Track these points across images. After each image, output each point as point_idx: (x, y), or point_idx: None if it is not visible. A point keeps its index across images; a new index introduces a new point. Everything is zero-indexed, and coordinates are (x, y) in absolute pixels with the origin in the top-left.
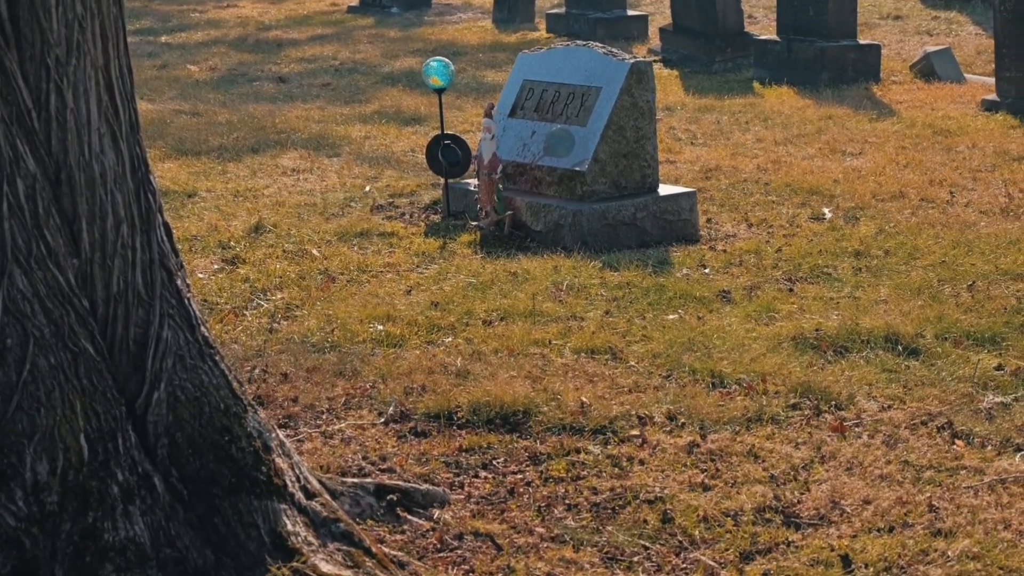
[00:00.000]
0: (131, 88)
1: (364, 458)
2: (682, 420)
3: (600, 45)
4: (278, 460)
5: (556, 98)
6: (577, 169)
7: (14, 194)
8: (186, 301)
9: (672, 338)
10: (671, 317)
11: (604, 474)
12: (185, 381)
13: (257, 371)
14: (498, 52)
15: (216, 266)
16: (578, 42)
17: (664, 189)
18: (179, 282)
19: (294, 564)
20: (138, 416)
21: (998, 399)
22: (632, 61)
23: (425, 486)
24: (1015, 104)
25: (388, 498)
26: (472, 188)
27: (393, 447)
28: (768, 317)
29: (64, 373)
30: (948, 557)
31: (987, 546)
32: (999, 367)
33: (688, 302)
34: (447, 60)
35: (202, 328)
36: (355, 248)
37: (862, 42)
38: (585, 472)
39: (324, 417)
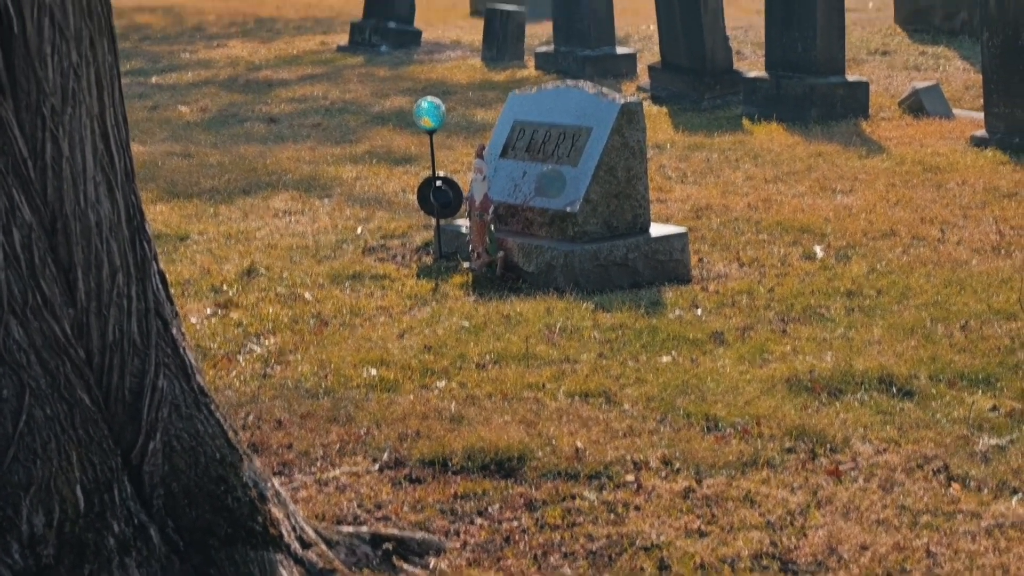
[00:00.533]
0: (126, 136)
1: (359, 506)
2: (677, 465)
3: (591, 85)
4: (274, 509)
5: (547, 138)
6: (568, 210)
7: (10, 244)
8: (181, 350)
9: (666, 381)
10: (664, 359)
11: (600, 521)
12: (181, 431)
13: (251, 417)
14: (488, 90)
15: (209, 310)
16: (568, 82)
17: (655, 229)
18: (174, 331)
19: None
20: (134, 466)
21: (993, 441)
22: (623, 101)
23: (420, 534)
24: (1004, 140)
25: (384, 547)
26: (464, 229)
27: (388, 494)
28: (762, 359)
29: (60, 424)
30: None
31: None
32: (994, 408)
33: (681, 344)
34: (438, 101)
35: (197, 377)
36: (348, 291)
37: (850, 78)
38: (581, 519)
39: (319, 464)
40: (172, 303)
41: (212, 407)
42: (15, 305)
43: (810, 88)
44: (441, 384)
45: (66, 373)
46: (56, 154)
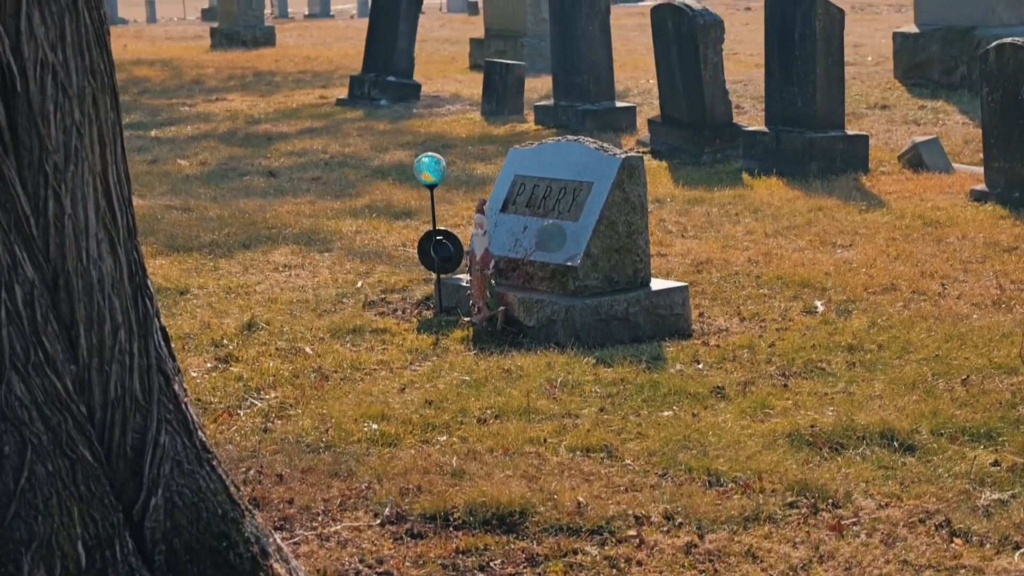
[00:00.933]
0: (128, 193)
1: (361, 560)
2: (679, 520)
3: (591, 140)
4: (276, 565)
5: (548, 193)
6: (569, 264)
7: (12, 301)
8: (183, 406)
9: (667, 435)
10: (666, 414)
11: None
12: (183, 487)
13: (252, 472)
14: (487, 144)
15: (209, 364)
16: (569, 137)
17: (656, 284)
18: (176, 387)
19: None
20: (136, 522)
21: (995, 496)
22: (623, 156)
23: None
24: (1004, 194)
25: None
26: (464, 283)
27: (390, 549)
28: (763, 413)
29: (62, 480)
30: None
31: None
32: (995, 463)
33: (683, 398)
34: (439, 156)
35: (199, 433)
36: (348, 345)
37: (850, 133)
38: (583, 574)
39: (320, 519)
40: (174, 359)
41: (214, 463)
42: (17, 362)
43: (810, 142)
44: (442, 439)
45: (68, 429)
46: (58, 211)
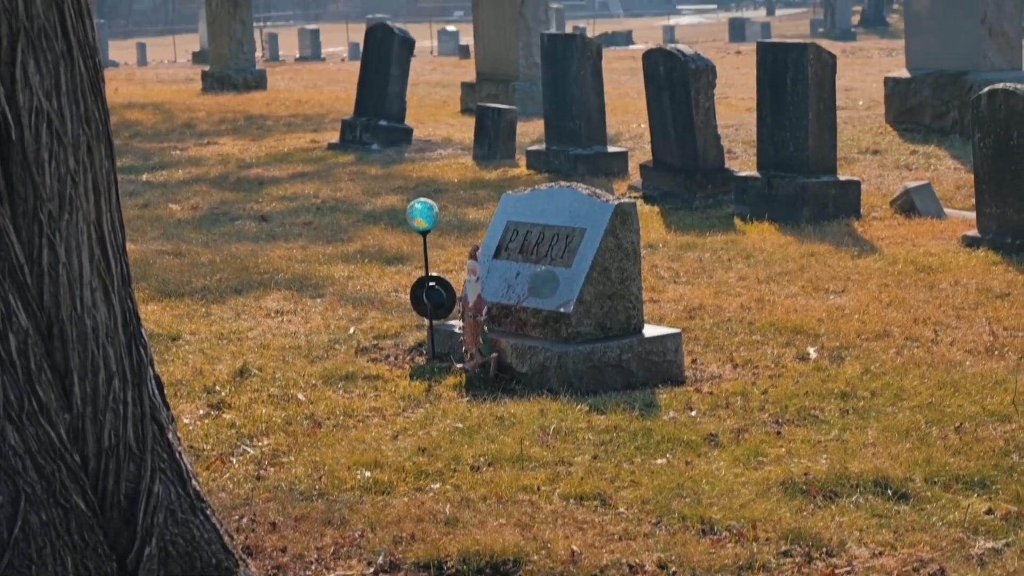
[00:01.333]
0: (123, 241)
1: None
2: (673, 569)
3: (584, 186)
4: None
5: (540, 239)
6: (562, 311)
7: (6, 349)
8: (177, 455)
9: (661, 483)
10: (659, 462)
11: None
12: (176, 536)
13: (245, 520)
14: (479, 189)
15: (201, 411)
16: (562, 183)
17: (649, 330)
18: (170, 436)
19: None
20: (129, 572)
21: (989, 544)
22: (616, 203)
23: None
24: (996, 240)
25: None
26: (457, 330)
27: None
28: (756, 461)
29: (55, 529)
30: None
31: None
32: (989, 511)
33: (676, 446)
34: (431, 202)
35: (193, 482)
36: (341, 392)
37: (842, 178)
38: None
39: (313, 568)
40: (168, 407)
41: (208, 512)
42: (11, 410)
43: (802, 187)
44: (435, 486)
45: (62, 479)
46: (53, 260)
